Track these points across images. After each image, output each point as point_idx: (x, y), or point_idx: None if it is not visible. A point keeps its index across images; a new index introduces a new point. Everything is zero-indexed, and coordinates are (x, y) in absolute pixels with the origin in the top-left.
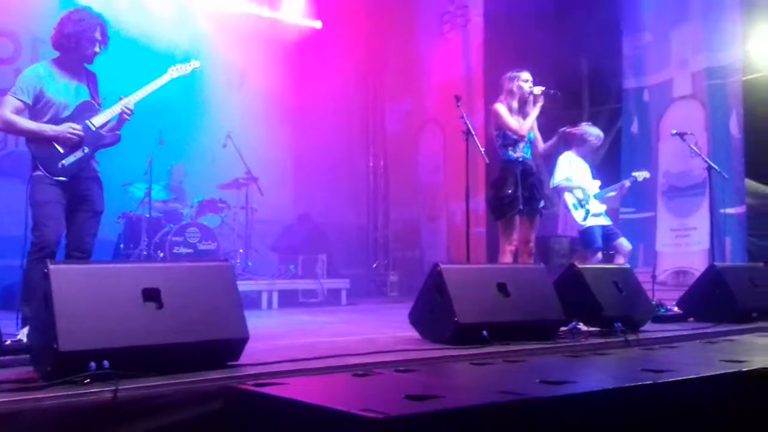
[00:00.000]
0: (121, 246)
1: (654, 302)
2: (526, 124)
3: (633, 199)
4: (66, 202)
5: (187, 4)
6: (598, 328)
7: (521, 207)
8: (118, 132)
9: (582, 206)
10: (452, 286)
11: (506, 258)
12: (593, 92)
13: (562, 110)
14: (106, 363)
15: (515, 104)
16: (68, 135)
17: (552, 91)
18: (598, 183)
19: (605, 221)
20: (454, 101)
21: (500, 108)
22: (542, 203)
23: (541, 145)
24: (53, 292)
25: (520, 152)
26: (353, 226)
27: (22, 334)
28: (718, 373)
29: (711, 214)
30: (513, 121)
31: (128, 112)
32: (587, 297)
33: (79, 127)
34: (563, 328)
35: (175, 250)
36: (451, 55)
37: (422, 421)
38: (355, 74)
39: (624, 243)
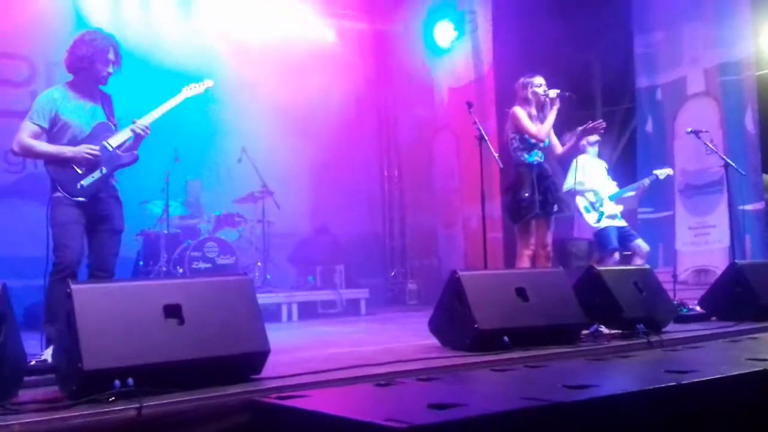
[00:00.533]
0: (141, 263)
1: (676, 302)
2: (545, 128)
3: (651, 198)
4: (86, 222)
5: (198, 21)
6: (620, 330)
7: (538, 210)
8: (135, 152)
9: (595, 209)
10: (471, 293)
11: (524, 262)
12: (606, 92)
13: (575, 111)
14: (130, 380)
15: (533, 111)
16: (86, 155)
17: (567, 93)
18: (614, 184)
19: (620, 222)
20: (466, 108)
21: (519, 112)
22: (556, 207)
23: (559, 149)
24: (76, 312)
25: (536, 156)
26: (370, 235)
27: (47, 354)
28: (744, 372)
29: (730, 211)
30: (532, 126)
31: (144, 131)
32: (608, 299)
33: (96, 147)
34: (585, 332)
35: (194, 266)
36: (462, 62)
37: (446, 430)
38: (367, 85)
39: (641, 244)
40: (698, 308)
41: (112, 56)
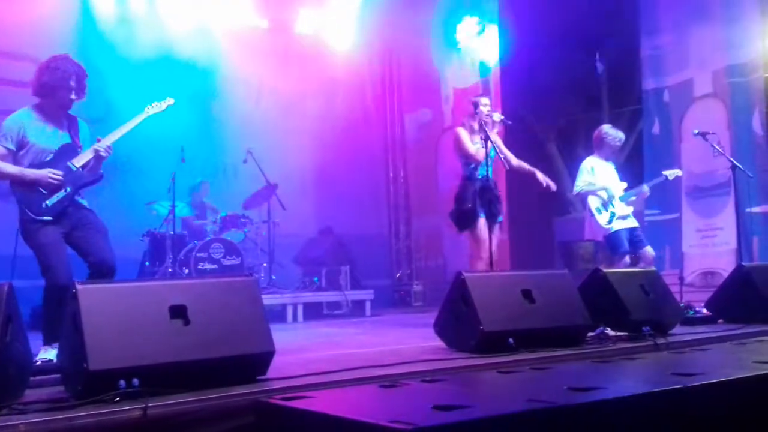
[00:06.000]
0: (147, 264)
1: (682, 304)
2: (482, 151)
3: (657, 200)
4: (66, 238)
5: (204, 21)
6: (626, 333)
7: (481, 219)
8: (99, 171)
9: (606, 209)
10: (476, 295)
11: (480, 265)
12: (612, 94)
13: (583, 113)
14: (135, 381)
15: (476, 125)
16: (48, 180)
17: (509, 122)
18: (624, 185)
19: (632, 223)
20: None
21: (461, 132)
22: (500, 218)
23: (514, 162)
24: (82, 312)
25: (478, 170)
26: (375, 236)
27: (43, 351)
28: (750, 374)
29: (737, 213)
30: (471, 147)
31: (106, 151)
32: (614, 301)
33: (59, 172)
34: (590, 334)
35: (199, 267)
36: (468, 64)
37: (451, 431)
38: (373, 85)
39: (649, 251)
40: (705, 311)
41: (74, 84)
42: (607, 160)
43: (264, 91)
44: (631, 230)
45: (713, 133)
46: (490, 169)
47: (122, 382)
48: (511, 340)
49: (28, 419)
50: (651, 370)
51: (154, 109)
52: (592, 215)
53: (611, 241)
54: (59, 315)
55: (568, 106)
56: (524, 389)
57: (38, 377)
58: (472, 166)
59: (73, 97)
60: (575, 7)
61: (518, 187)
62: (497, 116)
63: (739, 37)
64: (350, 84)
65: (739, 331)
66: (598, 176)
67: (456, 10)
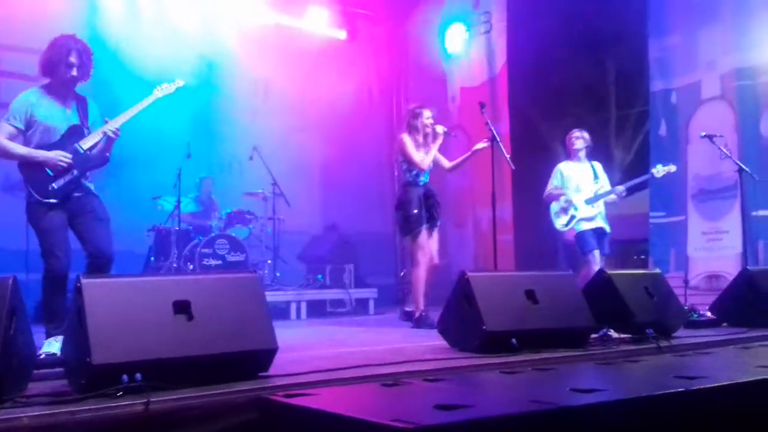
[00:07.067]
0: (152, 259)
1: (686, 307)
2: (427, 160)
3: (663, 203)
4: (68, 220)
5: (211, 17)
6: (630, 335)
7: (425, 225)
8: (107, 153)
9: (566, 213)
10: (480, 294)
11: (422, 269)
12: (620, 96)
13: (590, 114)
14: (138, 375)
15: (420, 138)
16: (57, 162)
17: (453, 134)
18: (597, 187)
19: (599, 224)
20: (478, 108)
21: (407, 140)
22: (438, 222)
23: (447, 165)
24: (86, 306)
25: (421, 177)
26: (380, 235)
27: (47, 345)
28: (753, 379)
29: (743, 216)
30: (417, 155)
31: (115, 133)
32: (618, 303)
33: (68, 155)
34: (594, 336)
35: (204, 262)
36: (475, 62)
37: (453, 431)
38: (379, 83)
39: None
40: (709, 314)
41: (74, 60)
42: (581, 162)
43: (270, 88)
44: (597, 230)
45: (720, 136)
46: (427, 174)
47: (125, 377)
48: (514, 340)
49: (31, 412)
50: (654, 373)
51: (163, 91)
52: (551, 219)
53: (578, 241)
54: (56, 300)
55: (574, 106)
56: (527, 390)
57: (42, 370)
58: (415, 172)
59: (74, 73)
60: (583, 7)
61: (522, 187)
62: (440, 128)
63: (748, 39)
64: (357, 82)
65: (743, 335)
66: (567, 180)
67: (463, 8)
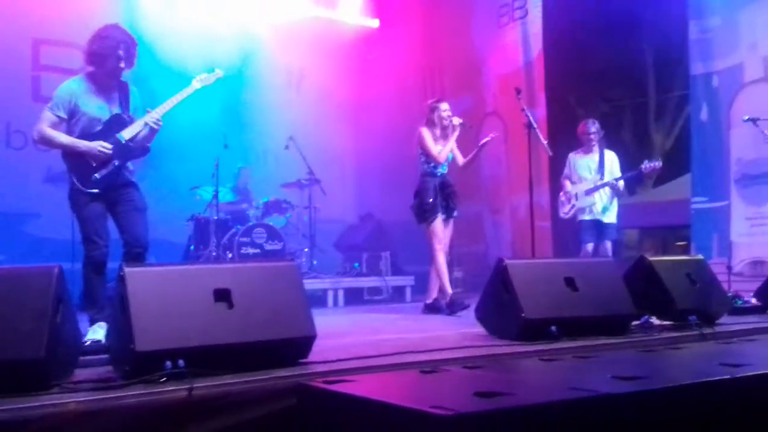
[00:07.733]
0: (192, 248)
1: (730, 294)
2: (444, 152)
3: (705, 188)
4: (108, 208)
5: (244, 9)
6: (672, 322)
7: (440, 213)
8: (148, 144)
9: (569, 202)
10: (518, 282)
11: (440, 255)
12: (659, 79)
13: (628, 98)
14: (181, 362)
15: (438, 131)
16: (98, 152)
17: (469, 125)
18: (597, 177)
19: (595, 216)
20: (514, 94)
21: (425, 133)
22: (456, 212)
23: (460, 160)
24: (129, 295)
25: (439, 168)
26: (416, 222)
27: (91, 332)
28: None
29: None
30: (434, 148)
31: (156, 124)
32: (659, 290)
33: (109, 145)
34: (635, 323)
35: (242, 251)
36: (510, 48)
37: (493, 418)
38: (414, 71)
39: (607, 246)
40: (754, 300)
41: (122, 53)
42: (590, 151)
43: (305, 78)
44: (595, 221)
45: (764, 119)
46: (445, 166)
47: (168, 363)
48: (553, 328)
49: (78, 398)
50: (697, 360)
51: (202, 81)
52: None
53: (578, 230)
54: (96, 286)
55: (612, 91)
56: (567, 377)
57: (87, 357)
58: (432, 164)
59: (122, 65)
60: None
61: (560, 172)
62: (456, 120)
63: None
64: (390, 69)
65: None
66: (573, 169)
67: None
